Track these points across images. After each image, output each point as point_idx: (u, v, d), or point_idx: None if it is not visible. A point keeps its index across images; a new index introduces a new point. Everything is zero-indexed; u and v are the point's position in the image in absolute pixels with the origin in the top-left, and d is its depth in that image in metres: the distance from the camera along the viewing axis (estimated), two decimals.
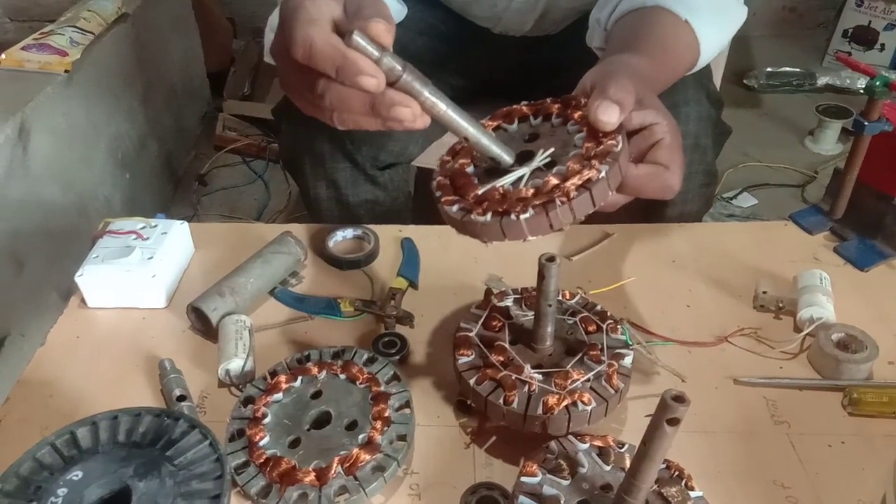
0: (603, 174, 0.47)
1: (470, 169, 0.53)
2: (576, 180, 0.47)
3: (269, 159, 2.01)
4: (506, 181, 0.50)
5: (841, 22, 2.45)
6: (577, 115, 0.52)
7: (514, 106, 0.56)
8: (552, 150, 0.51)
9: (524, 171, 0.50)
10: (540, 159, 0.50)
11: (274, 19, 0.68)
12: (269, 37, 0.69)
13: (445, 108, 0.47)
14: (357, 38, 0.42)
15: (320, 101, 0.46)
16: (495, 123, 0.56)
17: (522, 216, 0.46)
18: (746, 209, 1.82)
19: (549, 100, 0.55)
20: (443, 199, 0.51)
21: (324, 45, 0.43)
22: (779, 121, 2.22)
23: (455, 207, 0.50)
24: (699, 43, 0.69)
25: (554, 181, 0.48)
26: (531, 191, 0.48)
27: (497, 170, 0.51)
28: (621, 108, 0.49)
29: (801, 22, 2.78)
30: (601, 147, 0.49)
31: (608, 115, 0.49)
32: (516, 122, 0.56)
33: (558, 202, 0.46)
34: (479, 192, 0.50)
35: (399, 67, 0.44)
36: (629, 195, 0.54)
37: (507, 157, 0.51)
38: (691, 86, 0.82)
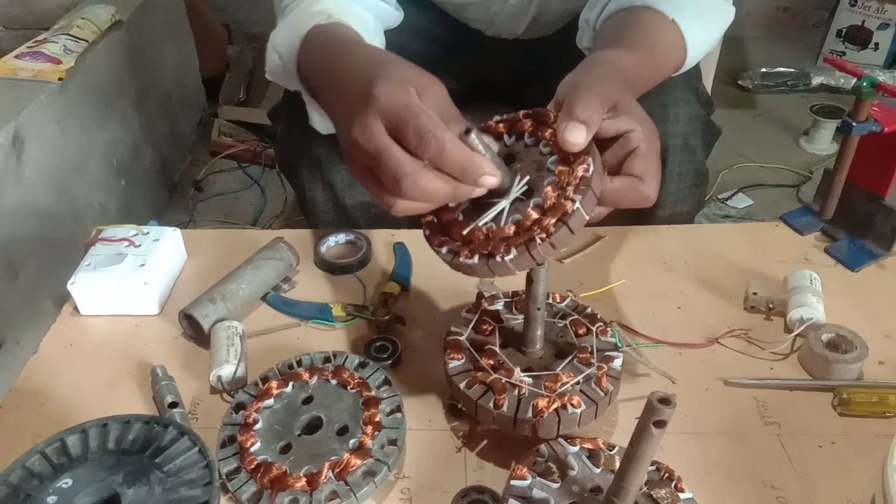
0: (577, 205, 0.48)
1: (453, 203, 0.54)
2: (551, 217, 0.48)
3: (265, 164, 2.02)
4: (488, 218, 0.51)
5: (835, 22, 2.46)
6: (547, 133, 0.53)
7: (489, 123, 0.57)
8: (528, 177, 0.51)
9: (504, 204, 0.51)
10: (517, 190, 0.51)
11: (277, 38, 0.69)
12: (272, 56, 0.70)
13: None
14: (475, 138, 0.48)
15: (399, 192, 0.48)
16: None
17: (507, 258, 0.48)
18: (741, 210, 1.82)
19: (520, 113, 0.55)
20: (432, 241, 0.53)
21: (455, 150, 0.47)
22: (773, 121, 2.23)
23: (444, 250, 0.52)
24: (686, 42, 0.69)
25: (533, 215, 0.49)
26: (512, 228, 0.50)
27: (479, 202, 0.52)
28: (588, 127, 0.50)
29: (795, 22, 2.79)
30: (573, 174, 0.49)
31: (574, 136, 0.49)
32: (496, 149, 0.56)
33: (538, 240, 0.48)
34: (464, 232, 0.51)
35: (497, 164, 0.49)
36: (608, 207, 0.55)
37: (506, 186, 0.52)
38: (680, 86, 0.82)
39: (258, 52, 2.39)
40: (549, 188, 0.50)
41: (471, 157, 0.47)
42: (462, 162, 0.47)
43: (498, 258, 0.48)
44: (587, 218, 0.49)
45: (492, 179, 0.48)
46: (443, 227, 0.53)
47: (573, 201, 0.48)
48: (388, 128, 0.48)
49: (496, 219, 0.51)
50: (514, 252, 0.48)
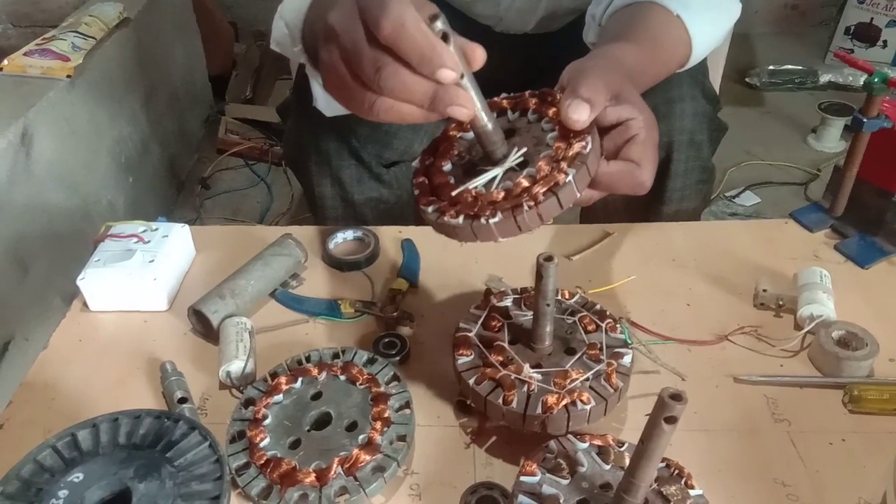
0: (570, 178, 0.48)
1: (447, 167, 0.54)
2: (542, 187, 0.48)
3: (271, 162, 2.02)
4: (479, 182, 0.51)
5: (843, 19, 2.45)
6: (551, 111, 0.53)
7: (494, 99, 0.57)
8: (525, 149, 0.51)
9: (497, 171, 0.51)
10: (512, 160, 0.51)
11: (285, 8, 0.68)
12: (278, 25, 0.69)
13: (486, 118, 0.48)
14: (441, 24, 0.43)
15: (378, 83, 0.44)
16: None
17: (492, 220, 0.48)
18: (749, 208, 1.82)
19: (527, 93, 0.56)
20: (420, 200, 0.52)
21: (415, 30, 0.43)
22: (781, 119, 2.22)
23: (430, 209, 0.51)
24: (691, 38, 0.69)
25: (524, 184, 0.49)
26: (501, 194, 0.50)
27: (473, 169, 0.52)
28: (591, 107, 0.50)
29: (803, 19, 2.78)
30: (570, 149, 0.50)
31: (578, 114, 0.49)
32: (495, 115, 0.56)
33: (525, 206, 0.48)
34: (454, 193, 0.51)
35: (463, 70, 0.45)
36: (602, 191, 0.55)
37: (499, 154, 0.51)
38: (686, 83, 0.82)
39: (265, 49, 2.39)
40: (543, 160, 0.50)
41: (431, 42, 0.42)
42: (421, 45, 0.42)
43: (483, 220, 0.48)
44: (578, 195, 0.49)
45: (451, 74, 0.43)
46: (434, 190, 0.53)
47: (566, 174, 0.48)
48: (360, 13, 0.45)
49: (488, 186, 0.51)
50: (499, 216, 0.48)
